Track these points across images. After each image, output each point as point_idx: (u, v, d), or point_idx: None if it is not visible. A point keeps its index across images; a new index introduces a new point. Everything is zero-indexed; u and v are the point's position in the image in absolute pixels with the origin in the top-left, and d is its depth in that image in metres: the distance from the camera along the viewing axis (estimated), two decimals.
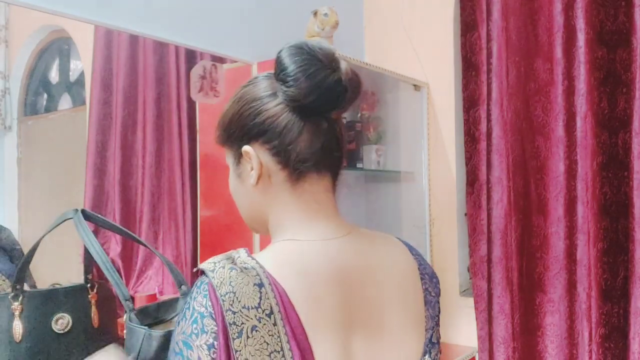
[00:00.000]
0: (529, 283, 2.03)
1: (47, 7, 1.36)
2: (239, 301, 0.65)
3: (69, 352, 1.10)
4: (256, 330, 0.65)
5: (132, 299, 1.04)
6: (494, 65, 2.03)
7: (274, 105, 0.72)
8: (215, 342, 0.65)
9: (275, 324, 0.66)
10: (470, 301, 2.12)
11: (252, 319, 0.65)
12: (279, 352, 0.65)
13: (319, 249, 0.72)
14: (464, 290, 2.31)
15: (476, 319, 2.09)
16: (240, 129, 0.74)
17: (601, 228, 1.86)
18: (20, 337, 1.04)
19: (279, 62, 0.72)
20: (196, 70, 1.75)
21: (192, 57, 1.77)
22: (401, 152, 2.33)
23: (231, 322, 0.65)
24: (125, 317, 1.02)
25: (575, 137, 1.92)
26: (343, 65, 0.71)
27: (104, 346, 1.18)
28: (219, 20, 1.81)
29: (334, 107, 0.72)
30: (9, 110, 1.47)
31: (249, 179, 0.75)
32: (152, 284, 1.73)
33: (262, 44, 1.89)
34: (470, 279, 2.17)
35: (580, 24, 1.89)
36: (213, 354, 0.65)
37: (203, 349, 0.65)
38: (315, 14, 1.86)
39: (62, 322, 1.09)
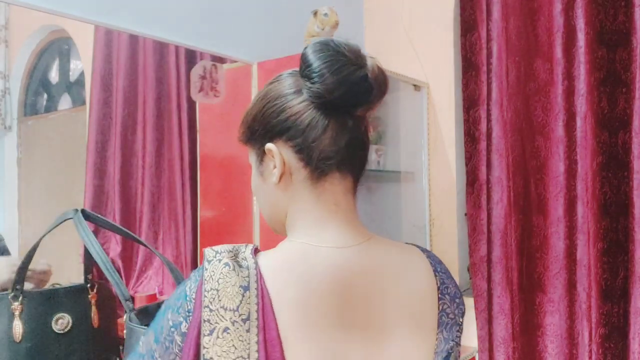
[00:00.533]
0: (529, 283, 2.03)
1: (47, 7, 1.36)
2: (220, 300, 0.66)
3: (69, 352, 1.10)
4: (227, 332, 0.65)
5: (132, 299, 1.05)
6: (494, 65, 2.03)
7: (298, 102, 0.70)
8: (182, 325, 0.68)
9: (248, 330, 0.65)
10: (470, 301, 2.12)
11: (226, 320, 0.65)
12: (245, 358, 0.65)
13: (326, 256, 0.70)
14: (464, 290, 2.31)
15: (476, 319, 2.09)
16: (264, 126, 0.73)
17: (601, 228, 1.86)
18: (20, 337, 1.04)
19: (304, 59, 0.70)
20: (196, 70, 1.75)
21: (192, 57, 1.77)
22: (401, 152, 2.33)
23: (205, 319, 0.66)
24: (125, 317, 1.02)
25: (575, 137, 1.92)
26: (369, 62, 0.70)
27: (104, 346, 1.18)
28: (219, 20, 1.81)
29: (359, 103, 0.70)
30: (9, 110, 1.47)
31: (272, 177, 0.73)
32: (152, 284, 1.73)
33: (262, 44, 1.89)
34: (470, 278, 2.17)
35: (580, 24, 1.89)
36: (172, 332, 0.68)
37: (168, 323, 0.68)
38: (315, 14, 1.86)
39: (62, 322, 1.09)
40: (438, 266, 0.77)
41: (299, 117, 0.70)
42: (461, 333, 0.78)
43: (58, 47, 1.62)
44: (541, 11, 1.99)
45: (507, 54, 2.01)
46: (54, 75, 1.64)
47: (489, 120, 2.05)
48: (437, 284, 0.75)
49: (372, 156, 2.22)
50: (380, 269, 0.72)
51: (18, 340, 1.04)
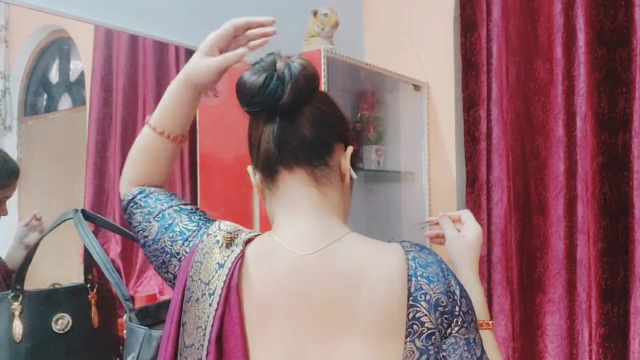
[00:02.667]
0: (529, 283, 2.03)
1: (47, 7, 1.36)
2: (200, 273, 0.73)
3: (69, 352, 1.10)
4: (197, 303, 0.72)
5: (132, 299, 1.04)
6: (494, 65, 2.03)
7: (250, 126, 0.78)
8: (190, 240, 0.79)
9: (210, 304, 0.70)
10: None
11: (199, 291, 0.72)
12: (203, 329, 0.70)
13: (286, 257, 0.72)
14: None
15: None
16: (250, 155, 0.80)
17: (601, 228, 1.86)
18: (20, 337, 1.04)
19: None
20: None
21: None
22: (401, 152, 2.33)
23: (188, 287, 0.74)
24: (125, 317, 1.02)
25: (575, 137, 1.92)
26: (280, 64, 0.73)
27: (104, 346, 1.18)
28: (219, 20, 1.80)
29: (274, 100, 0.72)
30: (9, 110, 1.47)
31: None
32: (152, 284, 1.73)
33: None
34: None
35: (580, 24, 1.89)
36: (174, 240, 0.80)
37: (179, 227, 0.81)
38: (315, 14, 1.85)
39: (62, 322, 1.09)
40: (420, 270, 0.70)
41: (250, 136, 0.78)
42: (468, 349, 0.69)
43: (58, 47, 1.62)
44: (541, 11, 1.99)
45: (507, 54, 2.01)
46: (54, 75, 1.64)
47: (489, 120, 2.05)
48: (409, 289, 0.69)
49: (372, 156, 2.22)
50: (342, 274, 0.70)
51: (18, 340, 1.04)
